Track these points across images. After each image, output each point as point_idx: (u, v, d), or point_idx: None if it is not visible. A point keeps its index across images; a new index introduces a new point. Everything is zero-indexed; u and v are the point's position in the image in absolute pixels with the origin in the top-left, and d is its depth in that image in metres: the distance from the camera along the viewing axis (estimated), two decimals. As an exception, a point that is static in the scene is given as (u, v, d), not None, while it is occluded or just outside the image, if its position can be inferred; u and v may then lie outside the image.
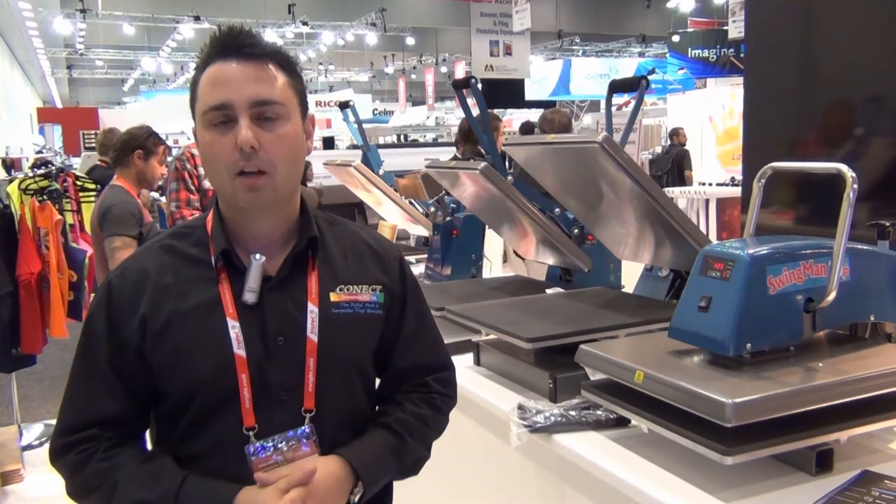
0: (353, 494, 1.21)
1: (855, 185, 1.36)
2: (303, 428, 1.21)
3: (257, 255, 1.22)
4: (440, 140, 16.94)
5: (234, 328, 1.19)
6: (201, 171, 3.78)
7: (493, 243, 3.20)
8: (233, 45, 1.18)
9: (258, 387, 1.19)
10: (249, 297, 1.20)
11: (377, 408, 1.35)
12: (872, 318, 1.52)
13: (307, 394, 1.21)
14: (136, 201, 3.46)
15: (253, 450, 1.18)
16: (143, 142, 3.55)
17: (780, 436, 1.26)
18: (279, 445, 1.19)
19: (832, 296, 1.37)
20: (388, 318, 1.32)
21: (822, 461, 1.31)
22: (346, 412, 1.27)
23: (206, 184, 3.76)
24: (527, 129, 8.38)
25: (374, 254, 1.34)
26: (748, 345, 1.35)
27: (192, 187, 3.74)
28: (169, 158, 3.87)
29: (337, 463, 1.20)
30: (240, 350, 1.18)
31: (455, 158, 4.66)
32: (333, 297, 1.26)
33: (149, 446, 1.29)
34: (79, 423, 1.19)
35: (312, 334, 1.22)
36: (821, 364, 1.39)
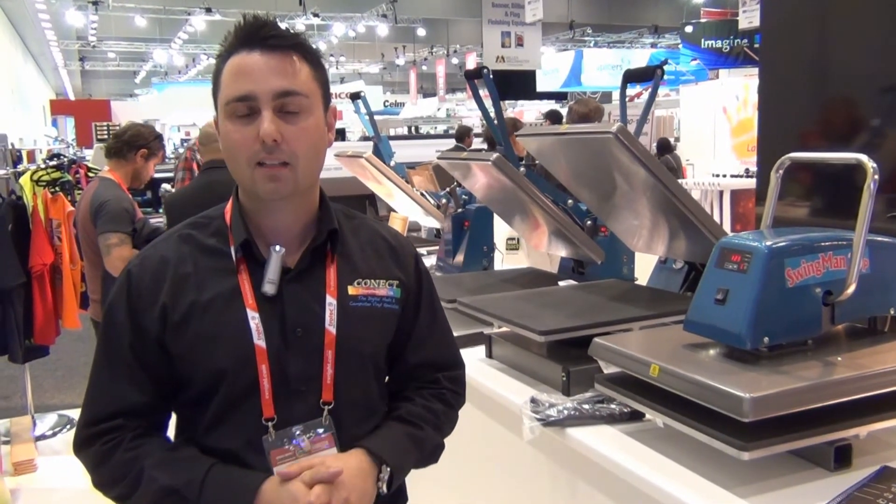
0: (380, 481, 1.20)
1: (876, 176, 1.34)
2: (321, 420, 1.21)
3: (277, 247, 1.21)
4: (451, 132, 16.89)
5: (254, 319, 1.18)
6: None
7: (498, 234, 3.17)
8: (257, 35, 1.17)
9: (277, 378, 1.19)
10: (269, 288, 1.19)
11: (388, 404, 1.35)
12: (892, 312, 1.50)
13: (325, 386, 1.21)
14: (128, 197, 3.45)
15: (271, 441, 1.18)
16: (150, 142, 3.59)
17: (797, 431, 1.25)
18: (298, 437, 1.19)
19: (852, 288, 1.35)
20: (402, 314, 1.32)
21: (841, 457, 1.29)
22: (363, 406, 1.27)
23: None
24: (555, 118, 8.22)
25: (391, 249, 1.34)
26: (765, 338, 1.33)
27: None
28: (181, 150, 3.89)
29: (359, 455, 1.20)
30: (260, 341, 1.18)
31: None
32: (351, 290, 1.26)
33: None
34: (104, 414, 1.19)
35: (331, 326, 1.22)
36: (839, 358, 1.37)
